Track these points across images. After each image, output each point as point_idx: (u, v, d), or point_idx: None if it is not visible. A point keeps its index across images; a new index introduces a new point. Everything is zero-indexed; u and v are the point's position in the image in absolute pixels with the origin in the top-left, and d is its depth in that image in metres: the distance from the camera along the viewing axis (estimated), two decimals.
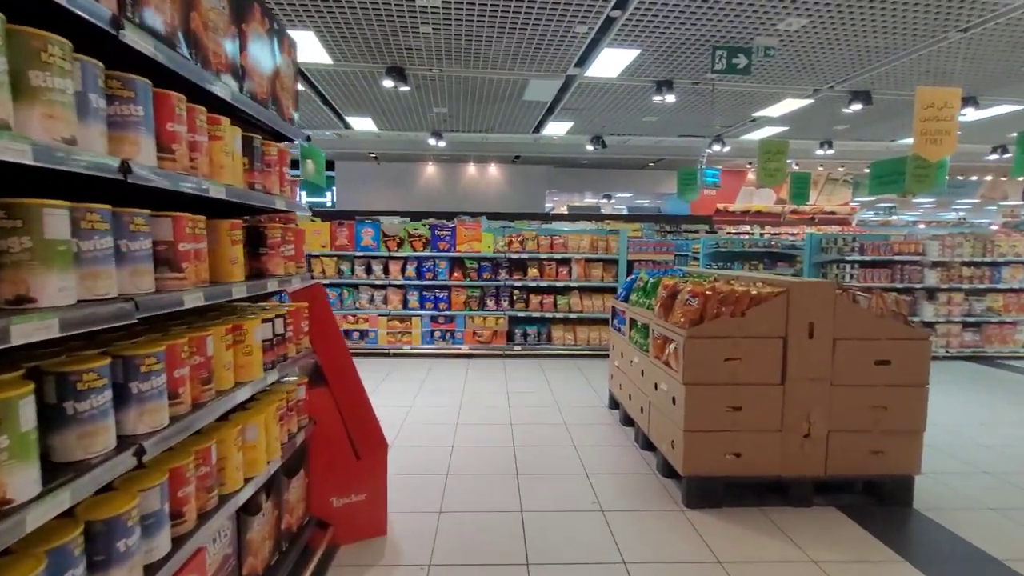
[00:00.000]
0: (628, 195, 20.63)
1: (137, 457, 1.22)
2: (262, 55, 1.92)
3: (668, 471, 3.27)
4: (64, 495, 1.02)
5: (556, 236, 6.56)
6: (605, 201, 21.34)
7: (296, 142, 2.42)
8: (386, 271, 6.58)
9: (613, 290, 6.64)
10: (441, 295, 6.56)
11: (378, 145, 13.89)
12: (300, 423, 2.28)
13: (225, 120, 1.64)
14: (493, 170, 16.42)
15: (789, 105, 8.63)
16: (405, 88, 7.88)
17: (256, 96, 1.87)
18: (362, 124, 11.64)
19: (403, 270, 6.55)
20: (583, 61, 6.99)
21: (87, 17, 1.06)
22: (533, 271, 6.62)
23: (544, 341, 6.65)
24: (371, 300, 6.56)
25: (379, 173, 15.93)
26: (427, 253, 6.50)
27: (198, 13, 1.50)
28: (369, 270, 6.59)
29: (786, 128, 10.57)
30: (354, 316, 6.49)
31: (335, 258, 6.50)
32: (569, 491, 3.15)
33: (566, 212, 18.73)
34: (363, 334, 6.52)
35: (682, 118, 10.14)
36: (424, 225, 6.54)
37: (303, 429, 2.28)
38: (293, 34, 6.73)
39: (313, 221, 6.57)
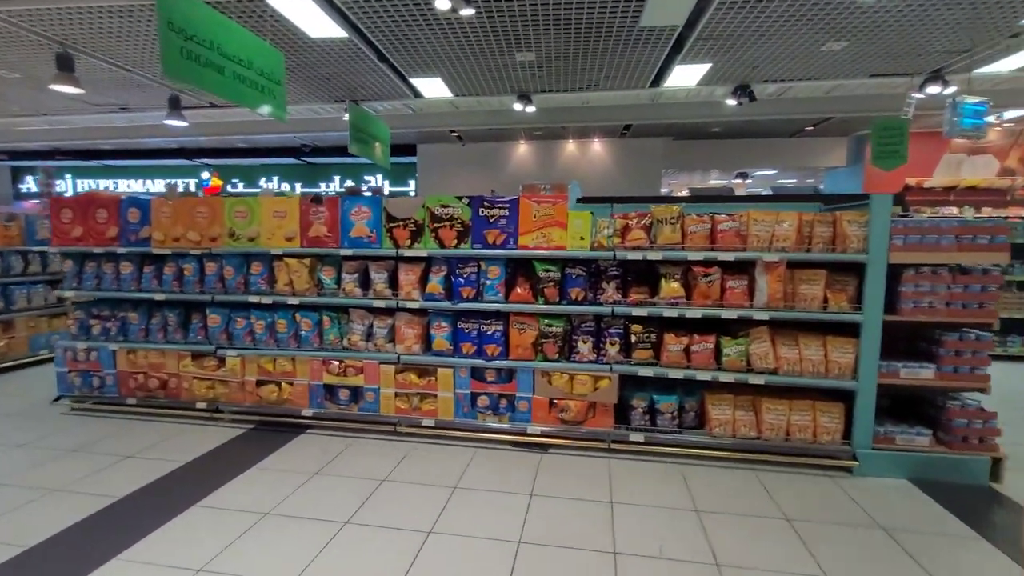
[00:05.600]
0: (771, 172, 16.11)
1: None
2: None
3: None
4: None
5: (723, 216, 3.22)
6: (739, 182, 16.98)
7: None
8: (393, 283, 3.69)
9: (849, 328, 3.15)
10: (490, 329, 3.50)
11: (458, 118, 11.55)
12: None
13: None
14: (596, 147, 13.47)
15: None
16: (469, 11, 5.01)
17: None
18: (433, 89, 9.26)
19: (423, 281, 3.61)
20: None
21: None
22: (671, 285, 3.32)
23: (689, 425, 3.36)
24: (369, 335, 3.71)
25: (464, 156, 13.84)
26: (466, 251, 3.51)
27: None
28: (365, 281, 3.76)
29: None
30: (340, 362, 3.67)
31: (307, 260, 3.75)
32: None
33: (687, 195, 14.98)
34: (356, 394, 3.70)
35: (889, 42, 6.10)
36: (461, 200, 3.54)
37: None
38: None
39: (279, 196, 3.83)
